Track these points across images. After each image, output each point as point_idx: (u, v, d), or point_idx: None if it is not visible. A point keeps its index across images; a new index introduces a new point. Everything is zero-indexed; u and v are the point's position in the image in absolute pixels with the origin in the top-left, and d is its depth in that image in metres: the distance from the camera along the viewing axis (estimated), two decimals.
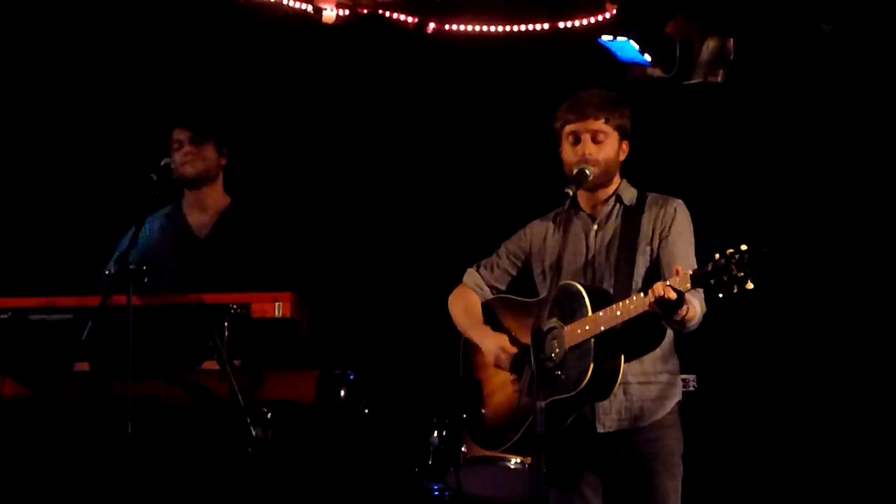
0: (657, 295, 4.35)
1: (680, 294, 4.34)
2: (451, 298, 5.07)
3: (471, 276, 5.06)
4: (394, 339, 7.09)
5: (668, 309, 4.38)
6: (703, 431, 4.82)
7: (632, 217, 4.77)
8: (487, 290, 5.02)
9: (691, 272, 4.34)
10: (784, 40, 6.68)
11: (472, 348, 4.97)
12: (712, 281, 4.26)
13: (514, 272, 5.00)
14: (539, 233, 4.95)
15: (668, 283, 4.36)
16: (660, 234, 4.73)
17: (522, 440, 4.69)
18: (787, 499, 6.67)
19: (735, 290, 4.22)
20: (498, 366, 4.82)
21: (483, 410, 4.92)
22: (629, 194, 4.84)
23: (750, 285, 4.19)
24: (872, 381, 6.62)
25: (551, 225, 4.92)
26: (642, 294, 4.45)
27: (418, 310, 6.99)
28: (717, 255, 4.28)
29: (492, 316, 4.96)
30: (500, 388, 4.84)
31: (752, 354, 6.77)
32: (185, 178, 5.73)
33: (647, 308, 4.42)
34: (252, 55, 7.09)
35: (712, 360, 6.17)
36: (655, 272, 4.68)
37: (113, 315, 4.75)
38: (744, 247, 4.21)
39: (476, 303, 5.01)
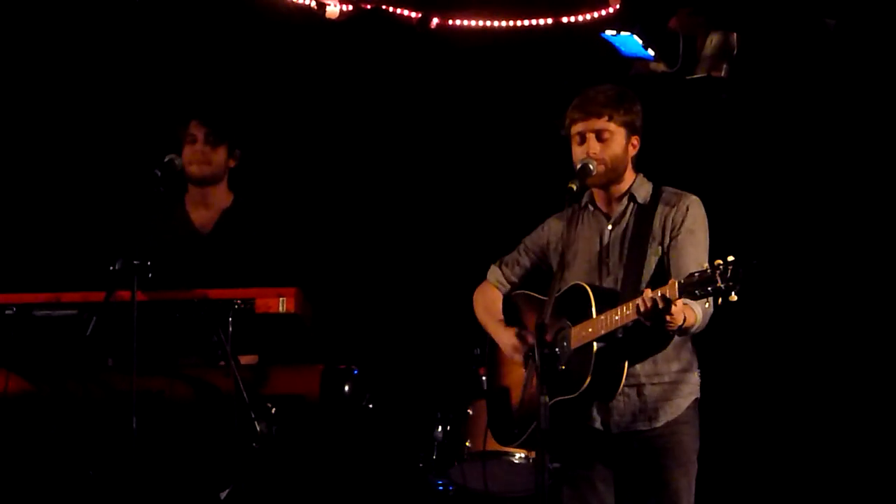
0: (644, 303, 4.34)
1: (667, 302, 4.30)
2: (475, 295, 5.09)
3: (493, 272, 5.07)
4: (397, 335, 7.09)
5: (656, 317, 4.35)
6: (706, 429, 4.79)
7: (644, 215, 4.73)
8: (509, 286, 5.03)
9: (681, 281, 4.29)
10: (788, 35, 6.67)
11: (496, 345, 4.99)
12: (697, 291, 4.23)
13: (533, 267, 5.00)
14: (556, 230, 4.92)
15: (658, 291, 4.32)
16: (670, 234, 4.67)
17: (530, 437, 4.69)
18: (790, 497, 6.67)
19: (720, 302, 4.21)
20: (512, 358, 4.84)
21: (502, 407, 4.93)
22: (644, 191, 4.79)
23: (734, 297, 4.16)
24: (876, 381, 6.61)
25: (567, 223, 4.88)
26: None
27: (422, 305, 7.00)
28: (705, 265, 4.25)
29: (514, 311, 4.97)
30: (516, 385, 4.84)
31: (755, 350, 6.76)
32: (190, 176, 5.70)
33: (637, 316, 4.39)
34: (255, 51, 7.08)
35: (716, 355, 6.17)
36: (666, 272, 4.63)
37: (117, 311, 4.76)
38: (731, 258, 4.16)
39: (497, 299, 5.03)
